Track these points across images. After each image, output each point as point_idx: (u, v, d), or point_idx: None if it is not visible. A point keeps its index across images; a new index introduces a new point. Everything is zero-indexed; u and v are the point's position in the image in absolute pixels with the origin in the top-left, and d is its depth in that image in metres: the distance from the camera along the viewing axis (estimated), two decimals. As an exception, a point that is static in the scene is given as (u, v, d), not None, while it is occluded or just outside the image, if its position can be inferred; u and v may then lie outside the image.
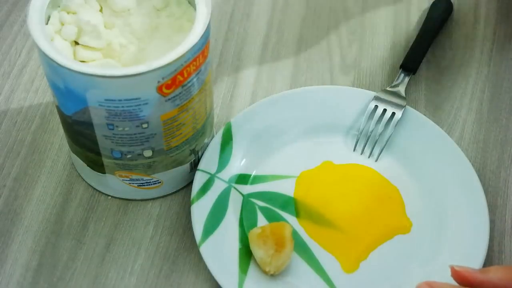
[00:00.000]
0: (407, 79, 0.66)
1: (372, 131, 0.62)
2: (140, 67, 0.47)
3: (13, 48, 0.69)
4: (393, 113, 0.63)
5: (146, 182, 0.58)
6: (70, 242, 0.57)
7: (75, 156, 0.58)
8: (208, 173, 0.59)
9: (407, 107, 0.63)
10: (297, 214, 0.59)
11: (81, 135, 0.54)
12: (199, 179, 0.58)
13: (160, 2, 0.56)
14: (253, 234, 0.55)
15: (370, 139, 0.63)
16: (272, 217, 0.58)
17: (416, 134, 0.62)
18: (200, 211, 0.57)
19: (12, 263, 0.56)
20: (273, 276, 0.55)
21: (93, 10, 0.54)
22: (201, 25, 0.50)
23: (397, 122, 0.62)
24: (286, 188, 0.60)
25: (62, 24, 0.53)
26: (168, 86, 0.49)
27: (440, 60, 0.70)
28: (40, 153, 0.62)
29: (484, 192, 0.58)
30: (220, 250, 0.55)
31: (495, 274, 0.47)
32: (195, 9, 0.52)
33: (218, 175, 0.59)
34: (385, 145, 0.62)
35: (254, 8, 0.74)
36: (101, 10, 0.55)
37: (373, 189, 0.60)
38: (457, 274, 0.47)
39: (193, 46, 0.49)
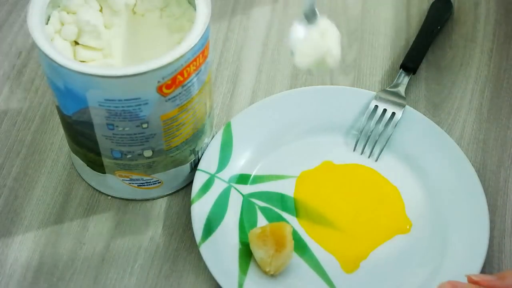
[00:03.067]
0: (407, 79, 0.66)
1: (372, 131, 0.62)
2: (140, 67, 0.47)
3: (13, 48, 0.69)
4: (393, 113, 0.63)
5: (146, 182, 0.58)
6: (70, 242, 0.57)
7: (75, 156, 0.58)
8: (208, 173, 0.59)
9: (407, 107, 0.63)
10: (297, 214, 0.59)
11: (81, 135, 0.54)
12: (199, 179, 0.58)
13: (160, 2, 0.56)
14: (253, 234, 0.55)
15: (370, 139, 0.63)
16: (272, 217, 0.58)
17: (416, 134, 0.62)
18: (200, 211, 0.57)
19: (12, 263, 0.56)
20: (273, 276, 0.55)
21: (93, 10, 0.54)
22: (201, 25, 0.50)
23: (397, 122, 0.62)
24: (286, 188, 0.60)
25: (62, 24, 0.53)
26: (168, 86, 0.49)
27: (440, 60, 0.70)
28: (40, 153, 0.62)
29: (484, 192, 0.58)
30: (220, 250, 0.55)
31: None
32: (195, 9, 0.52)
33: (218, 175, 0.59)
34: (385, 145, 0.62)
35: (254, 8, 0.74)
36: (101, 10, 0.55)
37: (373, 189, 0.60)
38: (475, 284, 0.47)
39: (193, 46, 0.49)
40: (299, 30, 0.51)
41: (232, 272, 0.54)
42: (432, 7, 0.73)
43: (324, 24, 0.52)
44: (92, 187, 0.60)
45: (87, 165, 0.57)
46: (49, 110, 0.65)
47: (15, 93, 0.66)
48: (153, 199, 0.60)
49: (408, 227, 0.58)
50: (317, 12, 0.52)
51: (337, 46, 0.50)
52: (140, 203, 0.60)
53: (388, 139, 0.62)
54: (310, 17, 0.52)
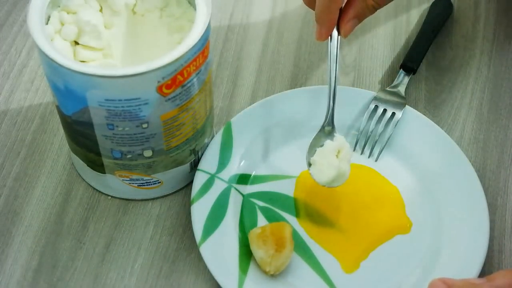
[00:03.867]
0: (407, 79, 0.66)
1: (372, 131, 0.62)
2: (140, 67, 0.47)
3: (13, 48, 0.69)
4: (393, 113, 0.63)
5: (146, 182, 0.58)
6: (70, 242, 0.57)
7: (75, 156, 0.58)
8: (208, 173, 0.59)
9: (407, 107, 0.63)
10: (297, 214, 0.59)
11: (81, 135, 0.54)
12: (199, 179, 0.58)
13: (160, 2, 0.56)
14: (253, 234, 0.55)
15: (370, 139, 0.63)
16: (272, 217, 0.58)
17: (416, 134, 0.62)
18: (200, 211, 0.57)
19: (12, 263, 0.56)
20: (273, 276, 0.55)
21: (93, 10, 0.54)
22: (201, 25, 0.50)
23: (397, 122, 0.62)
24: (286, 188, 0.60)
25: (62, 24, 0.53)
26: (168, 86, 0.49)
27: (440, 60, 0.70)
28: (40, 153, 0.62)
29: (484, 192, 0.58)
30: (220, 250, 0.55)
31: (501, 280, 0.47)
32: (195, 9, 0.52)
33: (218, 175, 0.59)
34: (385, 145, 0.62)
35: (254, 8, 0.74)
36: (101, 10, 0.55)
37: (373, 189, 0.60)
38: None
39: (193, 46, 0.49)
40: (317, 143, 0.57)
41: (232, 272, 0.54)
42: (432, 7, 0.73)
43: (339, 141, 0.56)
44: (92, 187, 0.60)
45: (87, 165, 0.57)
46: (49, 110, 0.65)
47: (15, 93, 0.66)
48: (153, 199, 0.60)
49: (408, 227, 0.58)
50: (335, 127, 0.58)
51: (348, 168, 0.55)
52: (140, 203, 0.60)
53: (388, 139, 0.62)
54: (328, 130, 0.58)
